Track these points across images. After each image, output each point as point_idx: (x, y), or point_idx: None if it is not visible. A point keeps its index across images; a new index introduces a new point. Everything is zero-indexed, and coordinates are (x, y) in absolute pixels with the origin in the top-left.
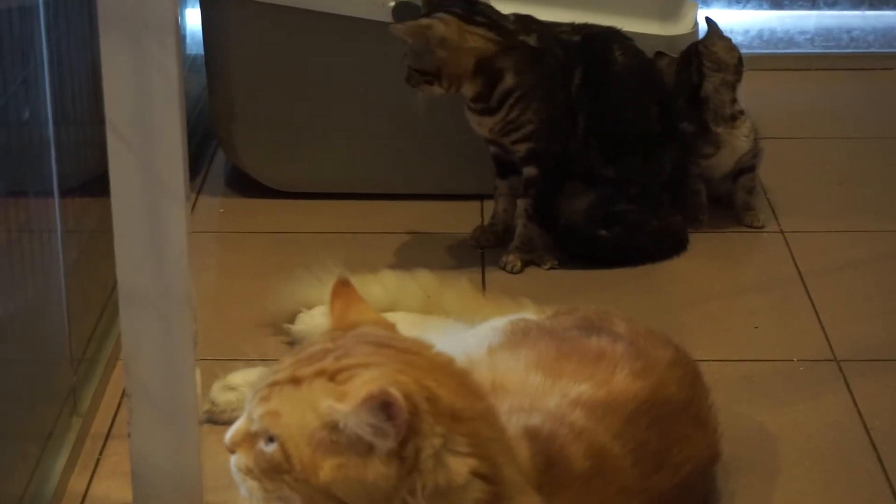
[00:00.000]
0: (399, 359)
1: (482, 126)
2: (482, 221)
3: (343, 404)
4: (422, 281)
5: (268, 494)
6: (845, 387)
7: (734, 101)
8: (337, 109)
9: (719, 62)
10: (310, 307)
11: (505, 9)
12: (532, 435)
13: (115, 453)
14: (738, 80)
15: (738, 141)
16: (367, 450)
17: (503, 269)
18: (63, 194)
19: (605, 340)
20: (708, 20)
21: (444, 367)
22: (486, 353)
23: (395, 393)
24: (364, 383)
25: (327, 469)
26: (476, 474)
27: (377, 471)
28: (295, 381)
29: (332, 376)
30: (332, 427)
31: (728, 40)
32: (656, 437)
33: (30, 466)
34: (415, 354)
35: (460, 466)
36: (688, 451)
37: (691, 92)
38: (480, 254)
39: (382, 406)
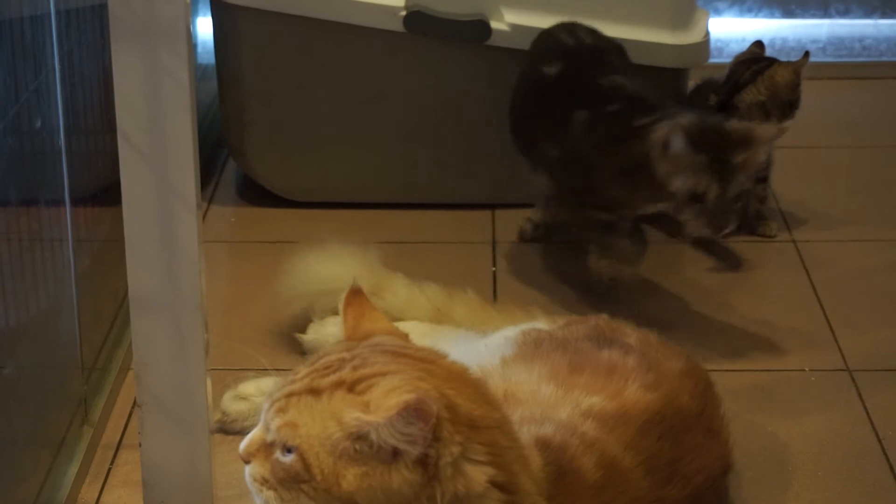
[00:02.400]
0: (416, 367)
1: None
2: (493, 231)
3: (374, 415)
4: (430, 294)
5: None
6: (857, 397)
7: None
8: (348, 119)
9: (773, 88)
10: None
11: (514, 17)
12: (543, 445)
13: (127, 462)
14: (780, 115)
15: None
16: (393, 457)
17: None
18: (74, 203)
19: (616, 353)
20: (806, 52)
21: (460, 376)
22: (499, 364)
23: (429, 399)
24: (387, 392)
25: (350, 478)
26: (493, 483)
27: (402, 478)
28: (313, 391)
29: (351, 387)
30: (357, 437)
31: (797, 79)
32: (668, 448)
33: (41, 475)
34: (431, 363)
35: (478, 475)
36: (699, 462)
37: (729, 94)
38: (492, 262)
39: (417, 414)
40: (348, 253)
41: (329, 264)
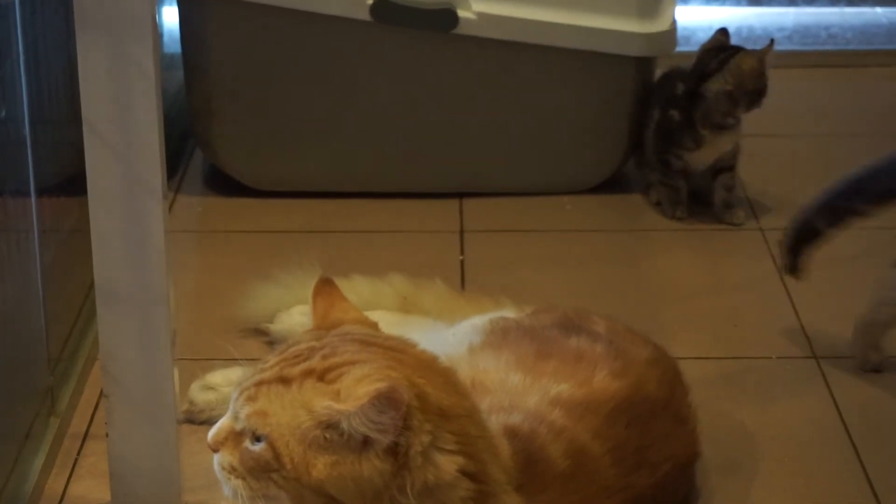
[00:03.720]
0: (386, 356)
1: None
2: (461, 220)
3: (345, 404)
4: (396, 285)
5: (253, 493)
6: (824, 384)
7: (730, 114)
8: (316, 108)
9: (739, 76)
10: (288, 307)
11: (481, 6)
12: (512, 434)
13: (93, 453)
14: (747, 104)
15: (719, 143)
16: (363, 446)
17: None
18: (40, 193)
19: (584, 340)
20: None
21: (429, 365)
22: (467, 352)
23: (400, 388)
24: (357, 381)
25: (321, 467)
26: (463, 472)
27: (373, 467)
28: (283, 380)
29: (321, 376)
30: (328, 425)
31: (762, 67)
32: (635, 436)
33: (7, 466)
34: (401, 352)
35: (448, 464)
36: (667, 450)
37: (695, 83)
38: (459, 251)
39: (389, 402)
40: (293, 278)
41: (277, 292)
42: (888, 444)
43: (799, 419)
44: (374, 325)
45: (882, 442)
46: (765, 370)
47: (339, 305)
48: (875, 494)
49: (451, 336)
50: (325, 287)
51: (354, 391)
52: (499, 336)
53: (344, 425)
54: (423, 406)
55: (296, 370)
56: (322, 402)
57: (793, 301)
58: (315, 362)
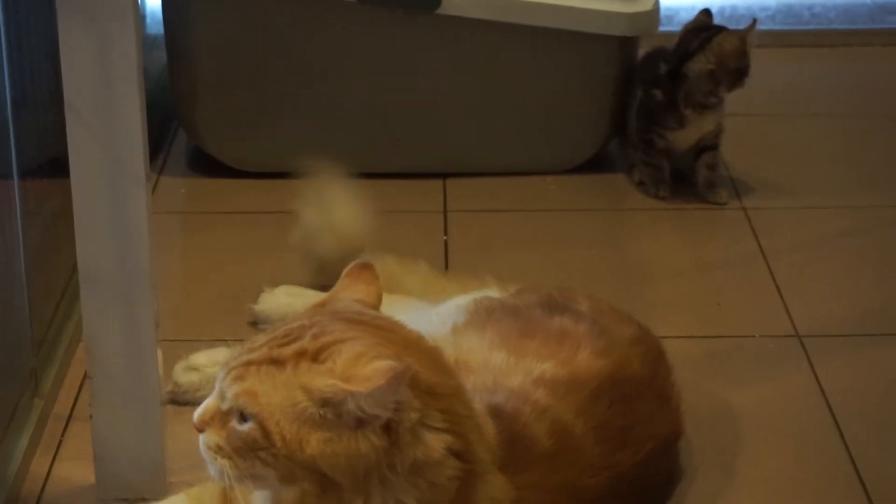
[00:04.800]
0: (374, 334)
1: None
2: (445, 200)
3: (353, 385)
4: (381, 264)
5: (239, 472)
6: (808, 363)
7: (712, 94)
8: (299, 89)
9: (721, 56)
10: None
11: None
12: (496, 413)
13: (78, 435)
14: (730, 83)
15: (702, 122)
16: (359, 423)
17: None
18: (23, 176)
19: (567, 319)
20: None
21: (416, 344)
22: (450, 332)
23: (407, 366)
24: (354, 359)
25: (314, 443)
26: (451, 451)
27: (369, 443)
28: (275, 361)
29: (314, 356)
30: (324, 403)
31: (744, 46)
32: (619, 415)
33: None
34: (388, 331)
35: (436, 442)
36: (650, 429)
37: (678, 62)
38: (443, 231)
39: (400, 382)
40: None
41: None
42: (871, 422)
43: (782, 397)
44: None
45: (865, 420)
46: (748, 349)
47: (359, 288)
48: (858, 473)
49: (434, 316)
50: (358, 270)
51: (357, 371)
52: (482, 316)
53: (350, 405)
54: (413, 384)
55: (287, 351)
56: (323, 382)
57: (776, 280)
58: (307, 342)
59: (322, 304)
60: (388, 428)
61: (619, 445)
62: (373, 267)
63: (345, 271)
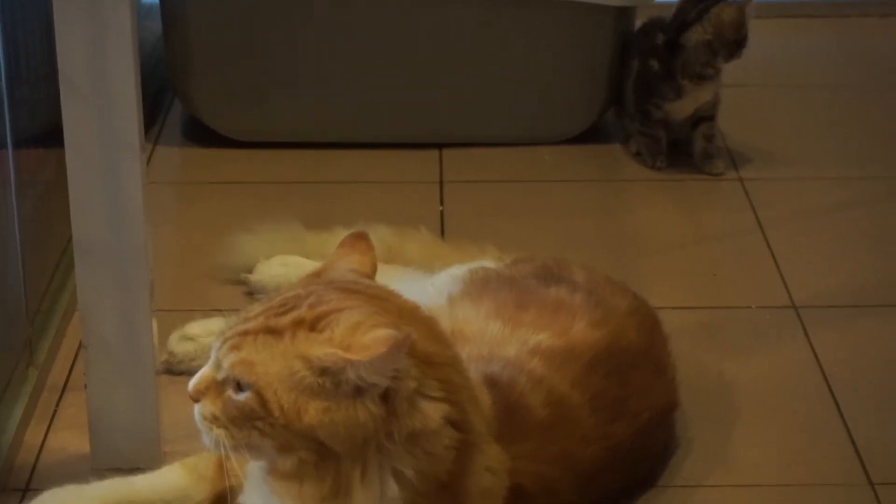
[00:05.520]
0: (370, 303)
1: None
2: (441, 170)
3: (353, 353)
4: (379, 233)
5: (235, 442)
6: (803, 334)
7: (710, 65)
8: (295, 58)
9: (718, 26)
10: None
11: None
12: (492, 383)
13: (72, 405)
14: (727, 54)
15: (699, 93)
16: (356, 392)
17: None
18: (17, 146)
19: (563, 289)
20: None
21: (412, 313)
22: (446, 303)
23: (407, 334)
24: (352, 328)
25: (313, 412)
26: (448, 420)
27: (368, 412)
28: (272, 331)
29: (312, 325)
30: (323, 372)
31: (742, 17)
32: (614, 386)
33: None
34: (384, 300)
35: (434, 411)
36: (646, 400)
37: (675, 32)
38: (439, 201)
39: (400, 351)
40: (274, 232)
41: (256, 246)
42: (867, 392)
43: (778, 368)
44: (369, 275)
45: (860, 391)
46: (744, 320)
47: (354, 258)
48: (853, 443)
49: (430, 287)
50: (353, 240)
51: (357, 339)
52: (478, 286)
53: (349, 374)
54: (410, 353)
55: (284, 320)
56: (322, 351)
57: (772, 250)
58: (303, 312)
59: (317, 274)
60: (386, 397)
61: (615, 416)
62: (367, 236)
63: (339, 243)
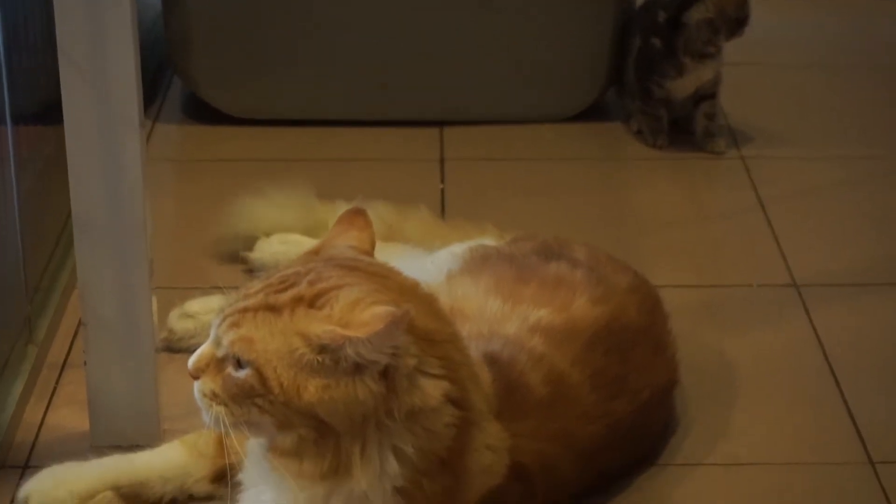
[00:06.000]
0: (370, 281)
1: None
2: (441, 148)
3: (351, 330)
4: (379, 211)
5: (235, 419)
6: (805, 312)
7: (711, 43)
8: (296, 35)
9: (720, 4)
10: (268, 233)
11: None
12: (491, 361)
13: (72, 382)
14: (730, 32)
15: (701, 71)
16: (356, 369)
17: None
18: (16, 122)
19: (564, 267)
20: None
21: (412, 291)
22: (446, 280)
23: (405, 311)
24: (351, 305)
25: (312, 390)
26: (448, 398)
27: (367, 389)
28: (271, 308)
29: (311, 302)
30: (322, 349)
31: None
32: (615, 364)
33: None
34: (384, 278)
35: (434, 389)
36: (646, 378)
37: (677, 10)
38: (440, 179)
39: (398, 327)
40: (283, 197)
41: (266, 211)
42: (867, 371)
43: (779, 347)
44: (369, 253)
45: (861, 369)
46: (745, 298)
47: (352, 234)
48: (854, 421)
49: (429, 264)
50: (351, 216)
51: (355, 317)
52: (478, 263)
53: (348, 351)
54: (410, 330)
55: (284, 297)
56: (320, 328)
57: (773, 229)
58: (303, 289)
59: (315, 251)
60: (386, 374)
61: (615, 394)
62: (365, 212)
63: (337, 219)
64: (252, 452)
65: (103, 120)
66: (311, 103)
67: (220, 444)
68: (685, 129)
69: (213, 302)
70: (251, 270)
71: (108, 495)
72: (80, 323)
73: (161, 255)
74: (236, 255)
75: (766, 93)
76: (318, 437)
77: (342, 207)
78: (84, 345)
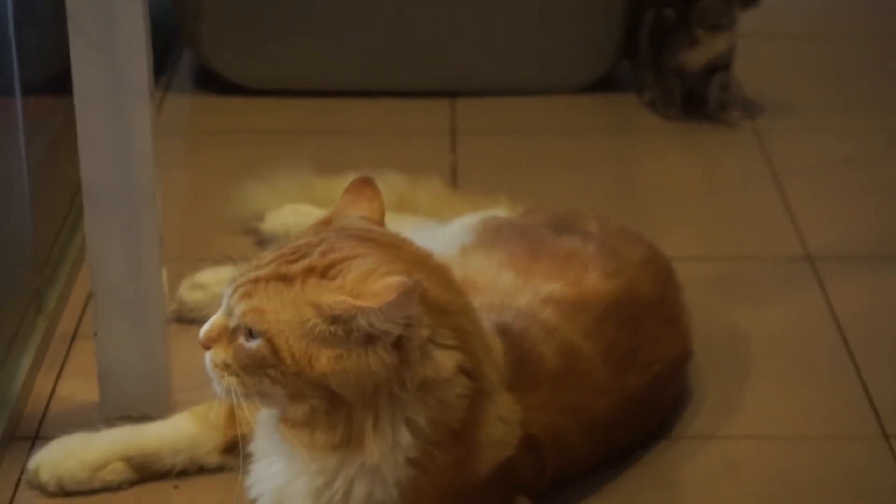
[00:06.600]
0: (383, 251)
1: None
2: (453, 120)
3: (364, 300)
4: (391, 182)
5: (246, 389)
6: (818, 285)
7: (725, 14)
8: (306, 5)
9: None
10: (278, 206)
11: None
12: (504, 333)
13: (82, 353)
14: (743, 3)
15: (714, 43)
16: (368, 340)
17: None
18: (25, 93)
19: (576, 239)
20: None
21: (425, 262)
22: (458, 252)
23: (417, 282)
24: (364, 276)
25: (324, 360)
26: (461, 369)
27: (380, 360)
28: (283, 278)
29: (323, 273)
30: (336, 320)
31: None
32: (627, 336)
33: None
34: (397, 248)
35: (447, 360)
36: (659, 350)
37: None
38: (451, 151)
39: (410, 298)
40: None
41: (267, 194)
42: (882, 344)
43: (792, 319)
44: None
45: (876, 343)
46: (758, 271)
47: (362, 204)
48: (868, 395)
49: (441, 236)
50: (359, 185)
51: (368, 287)
52: (490, 235)
53: (360, 321)
54: (423, 300)
55: (296, 268)
56: (332, 298)
57: (787, 202)
58: (315, 259)
59: (325, 222)
60: (399, 345)
61: (627, 367)
62: (373, 181)
63: (345, 188)
64: (263, 423)
65: (113, 90)
66: (322, 74)
67: (231, 416)
68: (699, 100)
69: (224, 273)
70: (262, 241)
71: (118, 466)
72: (89, 294)
73: (171, 226)
74: (247, 227)
75: (781, 64)
76: (329, 408)
77: (346, 181)
78: (94, 316)
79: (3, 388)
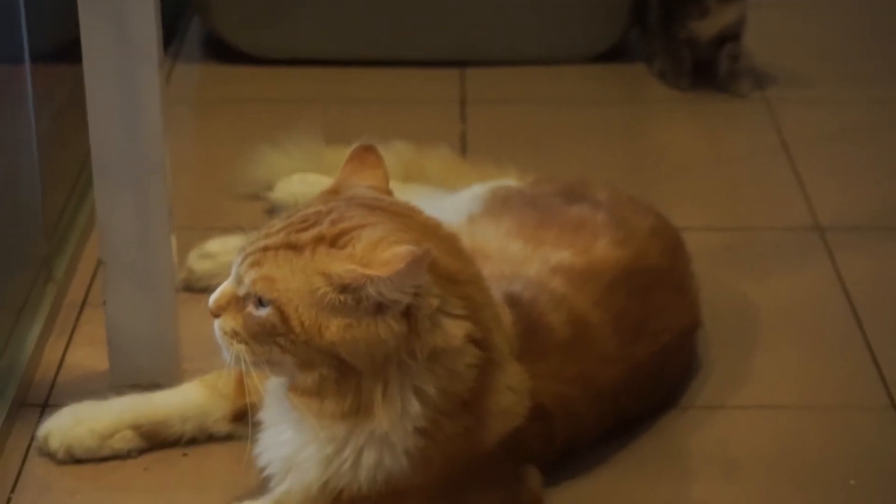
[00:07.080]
0: (392, 220)
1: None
2: (462, 89)
3: (373, 269)
4: (399, 151)
5: (256, 357)
6: (828, 255)
7: None
8: None
9: None
10: (287, 175)
11: None
12: (513, 302)
13: (91, 321)
14: None
15: (725, 12)
16: (378, 309)
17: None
18: (35, 61)
19: (585, 208)
20: None
21: (434, 231)
22: (467, 221)
23: (427, 250)
24: (373, 245)
25: (334, 329)
26: (470, 339)
27: (389, 329)
28: (293, 246)
29: (333, 241)
30: (345, 289)
31: None
32: (636, 306)
33: (4, 335)
34: (406, 217)
35: (456, 329)
36: (667, 320)
37: None
38: (460, 121)
39: (419, 266)
40: (294, 146)
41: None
42: (891, 315)
43: (802, 290)
44: (388, 192)
45: (885, 313)
46: (768, 241)
47: (367, 172)
48: (877, 365)
49: (450, 205)
50: (361, 153)
51: (377, 256)
52: (499, 204)
53: (370, 290)
54: (432, 269)
55: (305, 236)
56: (342, 267)
57: (797, 172)
58: (325, 228)
59: (333, 191)
60: (408, 314)
61: (636, 336)
62: (375, 149)
63: (347, 156)
64: (272, 392)
65: (122, 59)
66: (331, 43)
67: (240, 384)
68: (709, 70)
69: (233, 242)
70: (271, 210)
71: (127, 434)
72: (99, 262)
73: (180, 194)
74: (256, 195)
75: (792, 34)
76: (339, 377)
77: None
78: (103, 284)
79: (12, 356)
